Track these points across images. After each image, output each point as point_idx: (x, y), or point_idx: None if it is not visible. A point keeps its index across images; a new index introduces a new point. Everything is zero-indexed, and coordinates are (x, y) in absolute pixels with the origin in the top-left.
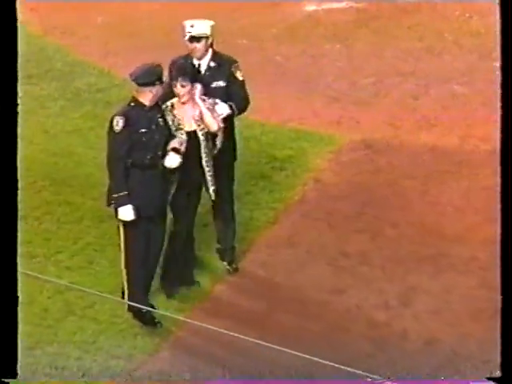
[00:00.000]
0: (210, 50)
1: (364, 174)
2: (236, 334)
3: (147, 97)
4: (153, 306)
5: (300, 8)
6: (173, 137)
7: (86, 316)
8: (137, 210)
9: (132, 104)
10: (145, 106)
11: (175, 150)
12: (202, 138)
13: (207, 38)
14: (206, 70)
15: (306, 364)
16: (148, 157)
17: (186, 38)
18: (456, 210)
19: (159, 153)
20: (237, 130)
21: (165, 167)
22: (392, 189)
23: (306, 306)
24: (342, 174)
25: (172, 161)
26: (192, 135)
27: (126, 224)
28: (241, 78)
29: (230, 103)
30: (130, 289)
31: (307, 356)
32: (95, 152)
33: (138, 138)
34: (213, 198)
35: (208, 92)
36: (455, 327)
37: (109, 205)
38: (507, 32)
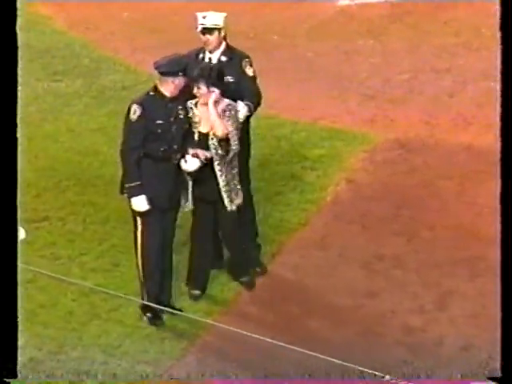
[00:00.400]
0: (224, 44)
1: (398, 175)
2: (265, 339)
3: (168, 87)
4: (173, 307)
5: (332, 3)
6: (192, 133)
7: (112, 319)
8: (150, 201)
9: (151, 93)
10: (165, 96)
11: (195, 155)
12: (211, 142)
13: (220, 29)
14: (215, 64)
15: (335, 368)
16: (162, 149)
17: (199, 29)
18: (493, 211)
19: (175, 146)
20: (267, 129)
21: (179, 162)
22: (427, 189)
23: (339, 311)
24: (375, 174)
25: (190, 165)
26: (204, 137)
27: (141, 215)
28: (251, 74)
29: (247, 103)
30: (145, 284)
31: (337, 361)
32: None
33: (154, 128)
34: (228, 207)
35: (216, 86)
36: (492, 332)
37: (122, 193)
38: (507, 32)
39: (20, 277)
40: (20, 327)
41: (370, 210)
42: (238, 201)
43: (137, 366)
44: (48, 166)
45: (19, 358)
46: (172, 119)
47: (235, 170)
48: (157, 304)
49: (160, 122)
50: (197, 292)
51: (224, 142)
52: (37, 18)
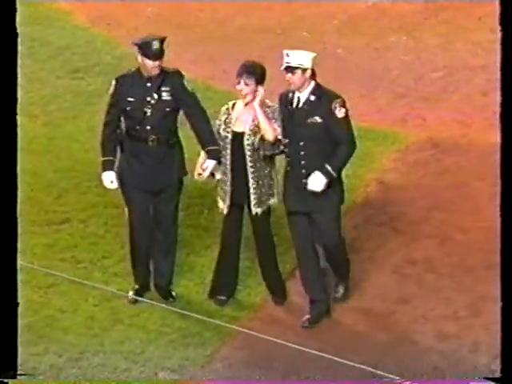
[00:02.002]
0: (312, 83)
1: (430, 176)
2: (294, 345)
3: (146, 67)
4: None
5: None
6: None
7: (134, 325)
8: (126, 179)
9: (133, 70)
10: (143, 75)
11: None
12: (246, 141)
13: (304, 69)
14: (303, 104)
15: (364, 374)
16: (133, 127)
17: (282, 67)
18: None
19: (147, 127)
20: None
21: (158, 144)
22: (460, 191)
23: (369, 316)
24: (407, 175)
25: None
26: (239, 136)
27: (122, 193)
28: (341, 115)
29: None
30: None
31: (368, 368)
32: None
33: (124, 105)
34: (253, 211)
35: (303, 127)
36: None
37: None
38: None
39: (40, 281)
40: (39, 333)
41: (401, 212)
42: (270, 202)
43: (160, 373)
44: (69, 167)
45: (21, 363)
46: (149, 99)
47: (267, 171)
48: (141, 284)
49: (131, 99)
50: (223, 298)
51: (270, 143)
52: (57, 13)
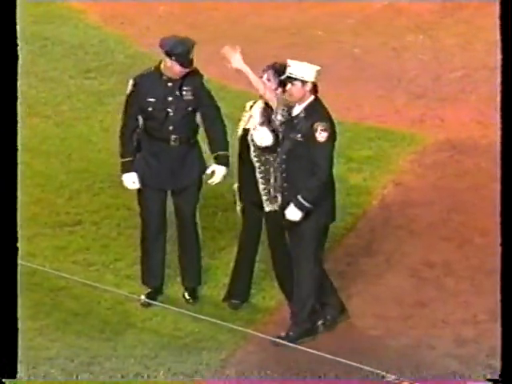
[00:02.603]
0: (311, 98)
1: (449, 177)
2: (308, 349)
3: (168, 67)
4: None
5: None
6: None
7: (147, 329)
8: (145, 179)
9: (152, 70)
10: (163, 75)
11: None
12: (251, 137)
13: (304, 82)
14: (293, 117)
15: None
16: (154, 127)
17: (283, 76)
18: None
19: (170, 127)
20: None
21: (180, 144)
22: (479, 193)
23: (387, 321)
24: (424, 177)
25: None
26: (247, 133)
27: (138, 193)
28: (319, 139)
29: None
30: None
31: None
32: None
33: (145, 105)
34: (266, 208)
35: (287, 140)
36: None
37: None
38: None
39: (51, 283)
40: (51, 337)
41: (418, 214)
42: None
43: (174, 378)
44: (81, 168)
45: (33, 367)
46: (170, 99)
47: (277, 167)
48: (155, 287)
49: (151, 99)
50: (237, 301)
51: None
52: (70, 12)
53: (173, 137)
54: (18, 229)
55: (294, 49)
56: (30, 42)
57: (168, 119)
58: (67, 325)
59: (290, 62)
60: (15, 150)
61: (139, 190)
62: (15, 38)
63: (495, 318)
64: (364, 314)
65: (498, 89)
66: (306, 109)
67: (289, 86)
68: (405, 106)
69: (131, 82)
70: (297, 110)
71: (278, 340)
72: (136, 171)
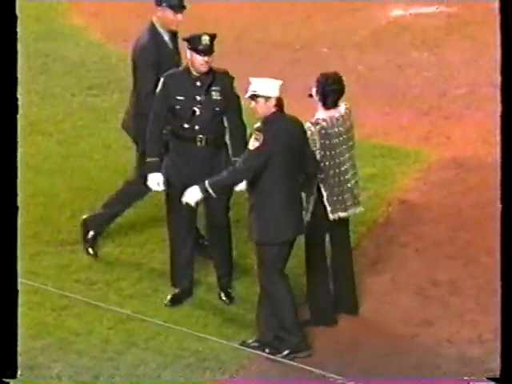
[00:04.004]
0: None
1: (455, 195)
2: (312, 368)
3: (195, 64)
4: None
5: (385, 13)
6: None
7: (150, 348)
8: (171, 181)
9: (181, 69)
10: (192, 73)
11: None
12: None
13: (267, 98)
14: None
15: None
16: (182, 127)
17: (247, 95)
18: None
19: (196, 127)
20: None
21: (206, 145)
22: (485, 211)
23: (391, 340)
24: (430, 195)
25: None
26: None
27: (166, 195)
28: (250, 147)
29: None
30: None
31: None
32: None
33: (173, 104)
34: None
35: None
36: None
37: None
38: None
39: (54, 302)
40: (53, 356)
41: (424, 232)
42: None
43: None
44: (83, 186)
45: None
46: (198, 98)
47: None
48: (182, 289)
49: (180, 98)
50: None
51: None
52: (72, 29)
53: (199, 137)
54: (20, 247)
55: (298, 65)
56: (32, 59)
57: (195, 118)
58: (69, 344)
59: (251, 79)
60: (15, 167)
61: (168, 191)
62: (16, 54)
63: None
64: (370, 332)
65: (499, 106)
66: (263, 122)
67: (252, 103)
68: (410, 123)
69: (161, 80)
70: (257, 123)
71: (275, 357)
72: (162, 172)
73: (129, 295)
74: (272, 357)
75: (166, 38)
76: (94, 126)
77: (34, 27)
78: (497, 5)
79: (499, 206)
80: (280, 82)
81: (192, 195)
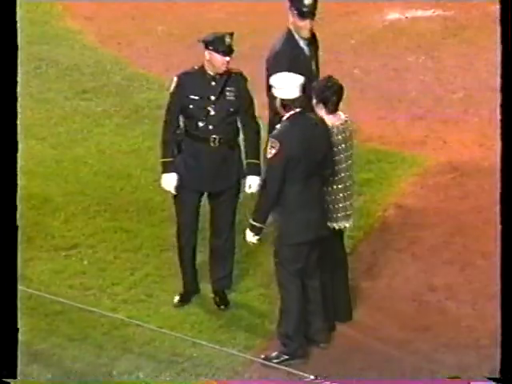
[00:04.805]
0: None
1: (451, 200)
2: (309, 375)
3: (211, 63)
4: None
5: (381, 16)
6: None
7: (144, 354)
8: (183, 181)
9: (196, 67)
10: (207, 72)
11: None
12: None
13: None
14: None
15: None
16: (195, 126)
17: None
18: None
19: (210, 126)
20: None
21: (219, 145)
22: (482, 216)
23: (388, 345)
24: (426, 200)
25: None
26: None
27: (175, 194)
28: (267, 154)
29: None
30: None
31: None
32: (155, 174)
33: (187, 103)
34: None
35: None
36: None
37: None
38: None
39: (47, 308)
40: (47, 362)
41: (420, 237)
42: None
43: None
44: (77, 191)
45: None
46: (212, 98)
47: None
48: (187, 290)
49: (194, 97)
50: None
51: None
52: (66, 32)
53: (212, 137)
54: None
55: None
56: (25, 63)
57: (208, 118)
58: (63, 350)
59: (272, 78)
60: (15, 173)
61: (178, 191)
62: (15, 58)
63: (497, 343)
64: (366, 338)
65: (498, 110)
66: (281, 125)
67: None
68: (406, 127)
69: (175, 79)
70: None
71: (268, 362)
72: (176, 172)
73: (123, 300)
74: (267, 363)
75: (302, 43)
76: (88, 130)
77: (28, 30)
78: (497, 7)
79: (496, 210)
80: (301, 80)
81: (249, 237)
